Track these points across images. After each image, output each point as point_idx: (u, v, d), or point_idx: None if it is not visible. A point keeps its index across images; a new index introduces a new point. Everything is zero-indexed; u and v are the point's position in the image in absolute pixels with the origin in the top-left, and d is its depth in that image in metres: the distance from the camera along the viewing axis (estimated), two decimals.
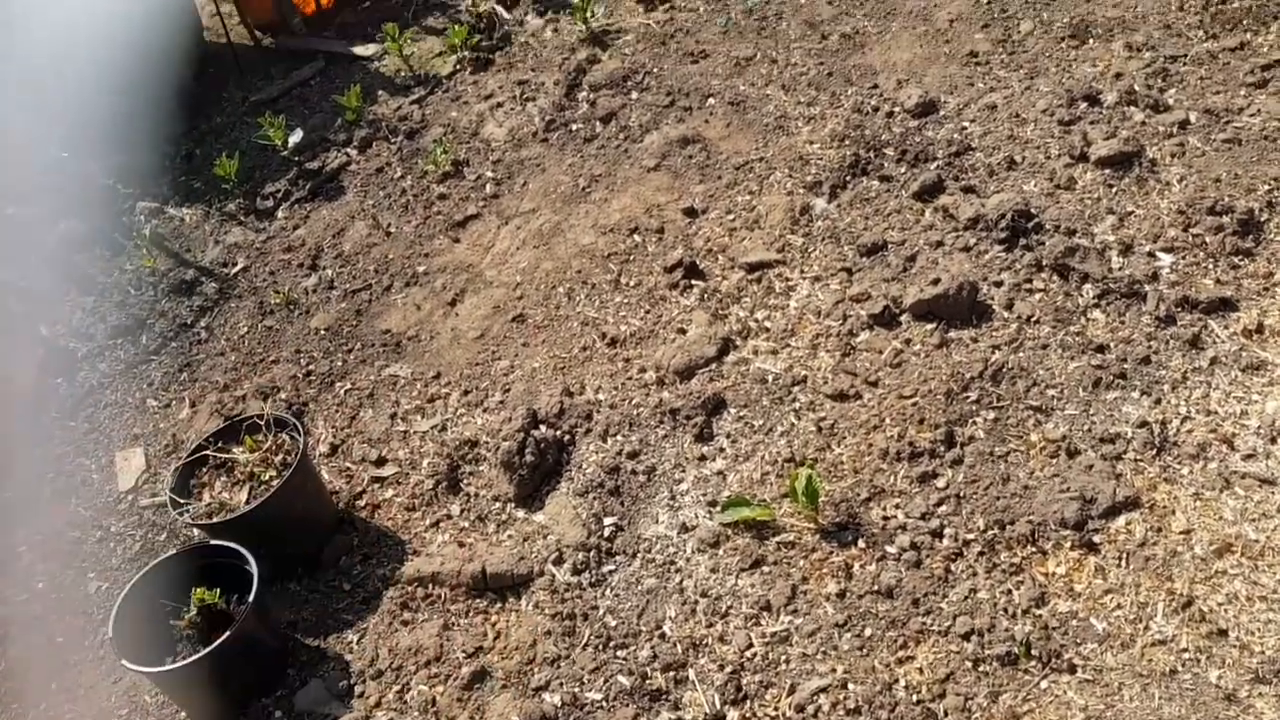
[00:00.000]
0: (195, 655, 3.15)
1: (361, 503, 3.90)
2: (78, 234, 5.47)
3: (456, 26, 6.08)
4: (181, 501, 3.62)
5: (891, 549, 3.29)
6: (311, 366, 4.48)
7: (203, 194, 5.65)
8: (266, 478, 3.62)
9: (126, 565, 3.92)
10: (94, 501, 4.20)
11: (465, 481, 3.89)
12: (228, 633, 3.16)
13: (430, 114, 5.77)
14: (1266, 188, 4.02)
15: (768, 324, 4.08)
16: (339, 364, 4.48)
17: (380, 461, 4.02)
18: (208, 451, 3.75)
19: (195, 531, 3.83)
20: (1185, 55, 4.72)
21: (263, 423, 3.75)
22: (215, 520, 3.53)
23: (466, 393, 4.20)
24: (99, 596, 3.86)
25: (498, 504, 3.77)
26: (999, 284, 3.94)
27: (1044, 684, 2.94)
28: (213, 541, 3.48)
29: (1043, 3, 5.24)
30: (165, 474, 4.19)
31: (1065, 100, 4.60)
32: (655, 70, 5.52)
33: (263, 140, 5.60)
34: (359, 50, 6.19)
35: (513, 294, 4.58)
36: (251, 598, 3.25)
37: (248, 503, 3.57)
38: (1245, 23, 4.79)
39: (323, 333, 4.64)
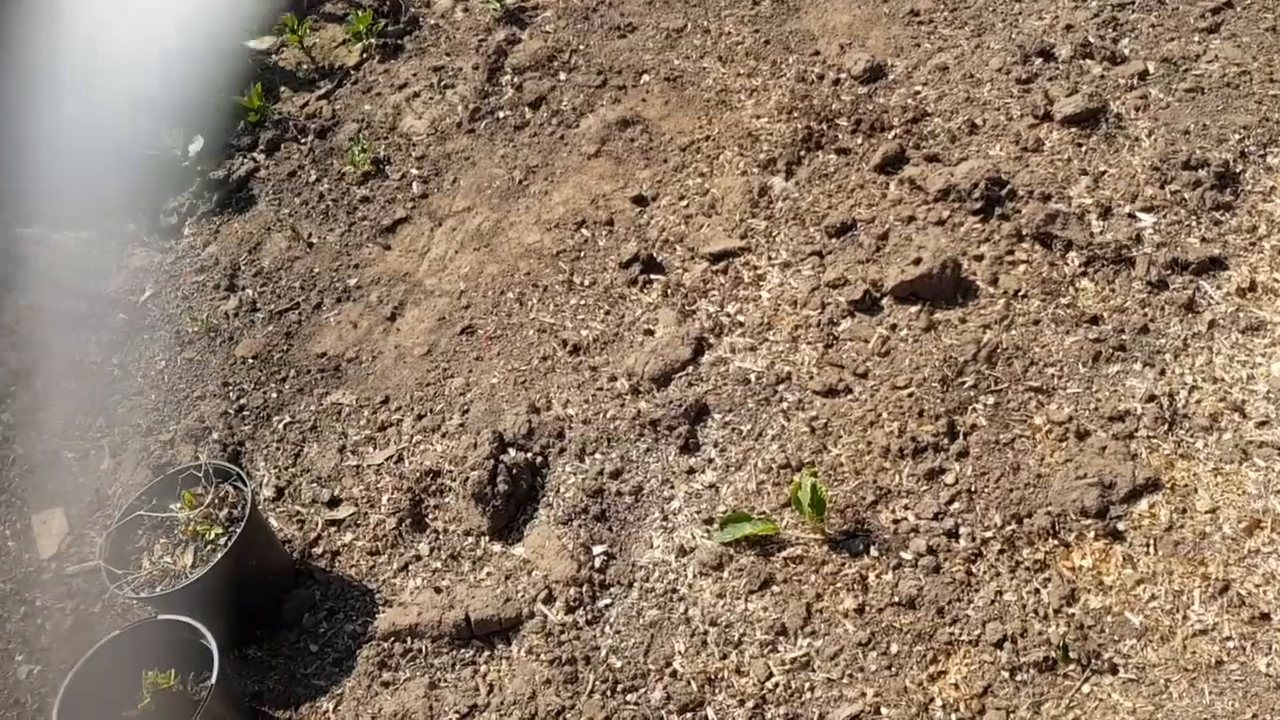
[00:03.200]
0: None
1: (318, 550, 3.55)
2: None
3: (359, 11, 5.64)
4: (118, 572, 3.23)
5: (907, 555, 3.09)
6: (243, 400, 4.08)
7: (94, 215, 5.13)
8: (211, 536, 3.25)
9: (59, 643, 3.51)
10: (12, 573, 3.76)
11: (431, 516, 3.56)
12: None
13: (341, 109, 5.34)
14: (1237, 137, 3.90)
15: (741, 318, 3.82)
16: (274, 395, 4.09)
17: (334, 502, 3.67)
18: (141, 512, 3.36)
19: (135, 601, 3.44)
20: (1132, 2, 4.57)
21: (200, 474, 3.37)
22: (160, 591, 3.15)
23: (420, 417, 3.86)
24: (31, 681, 3.45)
25: (470, 539, 3.47)
26: (980, 258, 3.74)
27: (1086, 688, 2.78)
28: (160, 617, 3.11)
29: None
30: (91, 535, 3.78)
31: (1019, 57, 4.41)
32: (582, 48, 5.18)
33: (157, 150, 5.11)
34: (253, 44, 5.70)
35: (458, 303, 4.23)
36: (214, 678, 2.89)
37: (194, 566, 3.20)
38: None
39: (251, 361, 4.23)
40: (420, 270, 4.42)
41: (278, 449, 3.89)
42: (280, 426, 3.96)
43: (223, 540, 3.22)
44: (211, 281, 4.62)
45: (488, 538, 3.45)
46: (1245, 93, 4.07)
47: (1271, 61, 4.15)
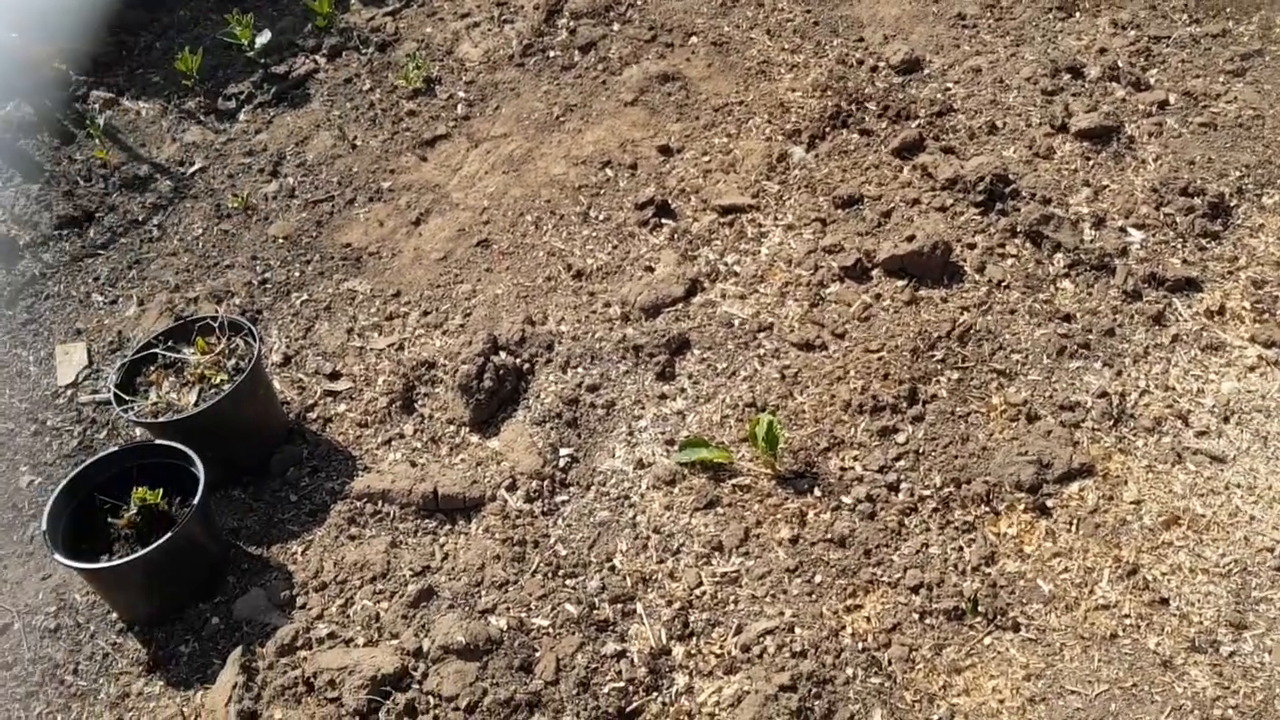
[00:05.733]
0: (133, 555, 3.07)
1: (313, 415, 3.81)
2: (24, 118, 5.25)
3: None
4: (127, 398, 3.50)
5: (847, 499, 3.30)
6: (268, 275, 4.36)
7: (161, 88, 5.43)
8: (217, 381, 3.52)
9: (62, 461, 3.80)
10: (30, 394, 4.06)
11: (420, 402, 3.82)
12: (168, 534, 3.07)
13: (404, 28, 5.60)
14: (1238, 174, 4.06)
15: (737, 268, 4.04)
16: (296, 274, 4.36)
17: (334, 375, 3.93)
18: (156, 349, 3.63)
19: (139, 431, 3.73)
20: (1169, 37, 4.73)
21: (216, 325, 3.63)
22: (161, 420, 3.42)
23: (426, 313, 4.11)
24: (31, 490, 3.73)
25: (452, 427, 3.71)
26: (972, 246, 3.93)
27: (987, 640, 2.98)
28: (157, 441, 3.38)
29: None
30: (108, 371, 4.06)
31: (1049, 70, 4.59)
32: (639, 3, 5.40)
33: (228, 39, 5.39)
34: None
35: (479, 218, 4.48)
36: (196, 500, 3.16)
37: (196, 404, 3.47)
38: (1228, 10, 4.81)
39: (281, 241, 4.51)
40: (450, 184, 4.67)
41: (292, 322, 4.16)
42: (297, 303, 4.23)
43: (226, 386, 3.49)
44: (257, 165, 4.90)
45: (468, 428, 3.70)
46: (1255, 135, 4.23)
47: None
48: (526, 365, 3.82)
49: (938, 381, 3.57)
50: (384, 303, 4.19)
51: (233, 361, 3.57)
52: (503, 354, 3.81)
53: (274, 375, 3.94)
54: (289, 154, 4.95)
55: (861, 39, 5.03)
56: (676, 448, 3.48)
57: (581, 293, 4.07)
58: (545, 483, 3.45)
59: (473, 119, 5.00)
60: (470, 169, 4.73)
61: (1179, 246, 3.86)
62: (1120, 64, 4.58)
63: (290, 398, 3.87)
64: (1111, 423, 3.39)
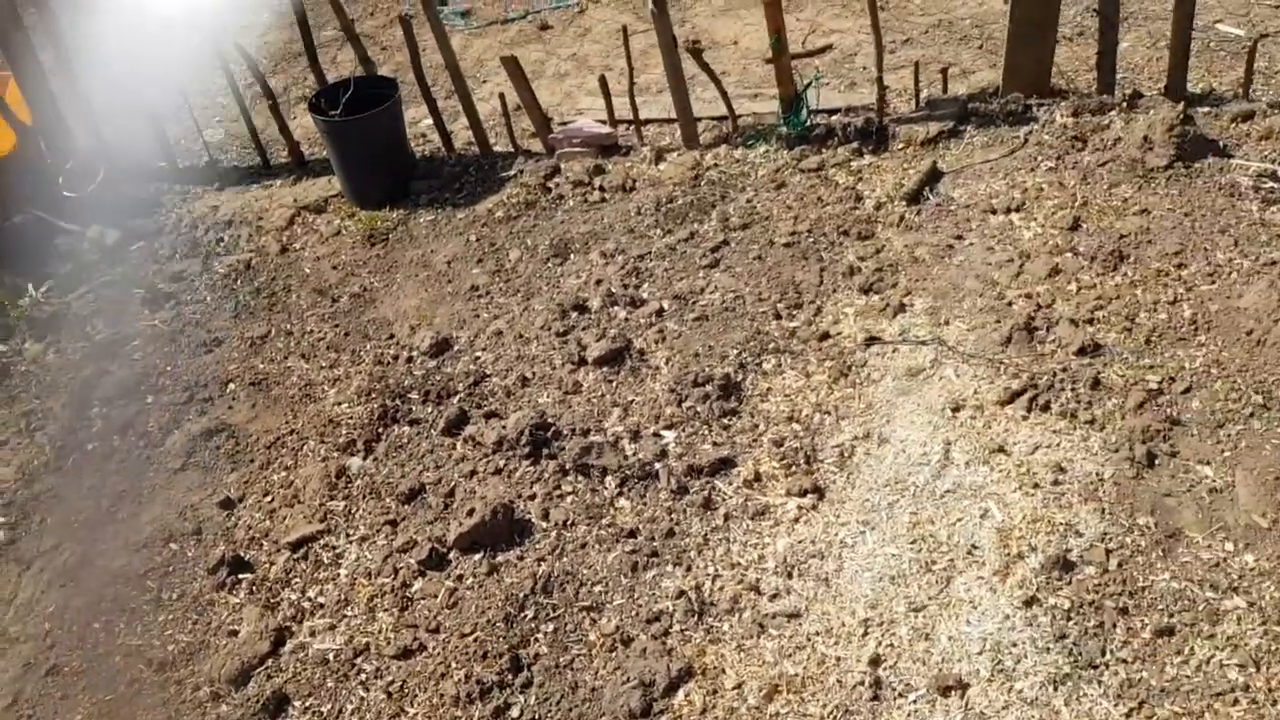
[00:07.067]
0: None
1: None
2: None
3: None
4: None
5: None
6: None
7: None
8: None
9: None
10: None
11: None
12: None
13: None
14: (735, 352, 4.56)
15: (321, 600, 3.97)
16: None
17: None
18: None
19: None
20: (650, 252, 5.31)
21: None
22: None
23: None
24: None
25: None
26: (533, 497, 4.11)
27: None
28: None
29: (524, 231, 5.72)
30: None
31: (559, 313, 5.00)
32: (169, 369, 5.36)
33: None
34: None
35: (44, 645, 4.13)
36: None
37: None
38: (691, 215, 5.51)
39: None
40: (5, 618, 4.30)
41: None
42: None
43: None
44: None
45: None
46: (740, 313, 4.79)
47: (760, 284, 4.93)
48: None
49: (536, 640, 3.63)
50: None
51: None
52: None
53: None
54: None
55: (392, 335, 5.26)
56: None
57: (168, 685, 3.82)
58: None
59: (18, 541, 4.66)
60: (25, 595, 4.38)
61: (707, 433, 4.23)
62: (615, 289, 5.07)
63: None
64: (695, 618, 3.57)
